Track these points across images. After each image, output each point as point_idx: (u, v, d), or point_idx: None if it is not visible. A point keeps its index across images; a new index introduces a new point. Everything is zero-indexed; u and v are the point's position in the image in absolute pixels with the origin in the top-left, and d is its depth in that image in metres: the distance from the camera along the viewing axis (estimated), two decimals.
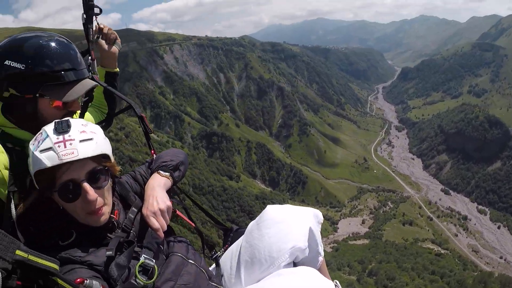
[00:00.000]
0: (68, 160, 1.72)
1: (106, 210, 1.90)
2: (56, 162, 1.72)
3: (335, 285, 2.37)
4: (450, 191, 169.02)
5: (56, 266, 1.33)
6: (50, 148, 1.73)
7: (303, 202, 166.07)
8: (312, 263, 2.21)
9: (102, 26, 2.77)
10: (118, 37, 2.84)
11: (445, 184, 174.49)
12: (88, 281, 1.52)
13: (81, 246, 1.81)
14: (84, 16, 2.67)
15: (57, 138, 1.75)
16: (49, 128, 1.80)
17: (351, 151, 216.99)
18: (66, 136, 1.76)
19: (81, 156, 1.75)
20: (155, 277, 1.81)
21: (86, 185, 1.79)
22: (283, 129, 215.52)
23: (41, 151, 1.73)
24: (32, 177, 1.76)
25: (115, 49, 2.84)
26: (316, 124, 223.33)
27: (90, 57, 2.66)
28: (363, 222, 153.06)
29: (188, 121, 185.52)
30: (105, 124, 2.90)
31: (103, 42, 2.77)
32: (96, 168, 1.84)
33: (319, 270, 2.22)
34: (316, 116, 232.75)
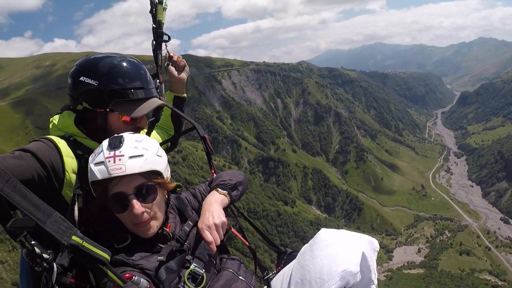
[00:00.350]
0: (116, 175, 1.82)
1: (154, 224, 1.97)
2: (106, 176, 1.83)
3: None
4: (510, 220, 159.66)
5: (107, 256, 1.41)
6: (102, 163, 1.84)
7: (359, 229, 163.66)
8: None
9: (172, 54, 2.99)
10: (186, 64, 3.06)
11: (504, 212, 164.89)
12: (136, 278, 1.58)
13: (135, 251, 1.91)
14: (154, 42, 2.96)
15: (109, 153, 1.85)
16: (105, 143, 1.91)
17: (409, 178, 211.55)
18: (117, 152, 1.85)
19: (128, 172, 1.83)
20: (202, 284, 1.84)
21: (133, 199, 1.88)
22: (340, 155, 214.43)
23: (95, 164, 1.85)
24: (89, 185, 1.91)
25: (183, 75, 3.04)
26: (374, 150, 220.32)
27: (158, 81, 2.87)
28: (419, 251, 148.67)
29: (245, 145, 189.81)
30: (170, 146, 3.14)
31: (173, 68, 2.98)
32: (145, 183, 1.91)
33: None
34: (373, 142, 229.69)
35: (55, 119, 2.32)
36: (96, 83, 2.10)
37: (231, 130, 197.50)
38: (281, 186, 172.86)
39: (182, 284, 1.82)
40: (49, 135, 2.20)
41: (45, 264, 1.27)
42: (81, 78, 2.12)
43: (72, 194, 2.02)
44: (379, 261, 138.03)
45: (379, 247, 2.27)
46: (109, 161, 1.84)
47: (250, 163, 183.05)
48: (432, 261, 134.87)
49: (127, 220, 1.93)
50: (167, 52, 2.97)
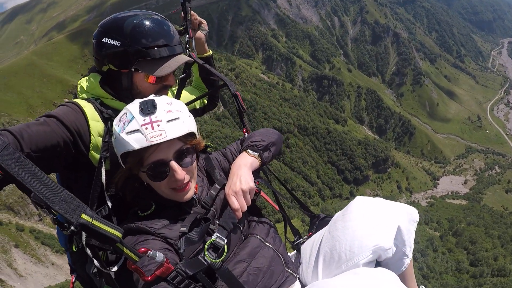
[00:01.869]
0: (157, 142, 1.72)
1: (192, 186, 1.93)
2: (145, 144, 1.71)
3: None
4: None
5: (119, 234, 1.35)
6: (137, 130, 1.72)
7: (408, 154, 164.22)
8: (396, 264, 2.08)
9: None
10: (202, 21, 2.88)
11: None
12: (152, 252, 1.52)
13: (159, 218, 1.86)
14: None
15: (144, 120, 1.73)
16: (134, 108, 1.79)
17: (466, 107, 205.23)
18: (153, 117, 1.74)
19: (169, 137, 1.74)
20: (223, 256, 1.76)
21: (174, 164, 1.80)
22: (396, 77, 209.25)
23: (128, 133, 1.73)
24: (118, 157, 1.83)
25: (200, 34, 2.85)
26: (432, 74, 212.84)
27: (188, 35, 2.72)
28: (465, 182, 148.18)
29: (300, 63, 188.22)
30: (208, 105, 3.03)
31: (189, 30, 2.80)
32: (183, 147, 1.84)
33: (405, 273, 2.13)
34: (432, 66, 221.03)
35: (83, 81, 2.28)
36: (118, 43, 2.04)
37: (285, 48, 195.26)
38: (334, 105, 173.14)
39: (202, 255, 1.72)
40: (77, 98, 2.20)
41: (72, 228, 1.28)
42: (104, 40, 2.08)
43: (99, 157, 2.00)
44: (424, 187, 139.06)
45: (418, 217, 2.13)
46: (146, 128, 1.72)
47: (304, 81, 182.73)
48: (476, 194, 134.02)
49: (165, 187, 1.86)
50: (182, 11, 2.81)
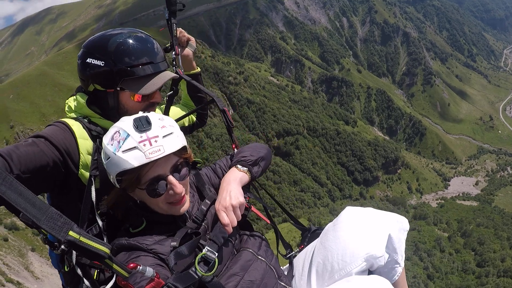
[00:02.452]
0: (156, 158, 1.72)
1: (187, 198, 1.94)
2: (144, 161, 1.71)
3: None
4: None
5: (106, 250, 1.34)
6: (134, 148, 1.70)
7: (419, 154, 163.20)
8: (389, 273, 2.10)
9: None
10: (190, 38, 2.88)
11: None
12: (141, 267, 1.52)
13: (151, 234, 1.87)
14: (168, 11, 2.78)
15: (141, 137, 1.72)
16: (127, 126, 1.77)
17: (477, 107, 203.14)
18: (149, 134, 1.74)
19: (167, 152, 1.75)
20: (214, 270, 1.77)
21: (172, 179, 1.82)
22: (406, 77, 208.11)
23: (124, 151, 1.71)
24: (113, 178, 1.79)
25: (188, 51, 2.85)
26: (443, 74, 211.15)
27: (174, 53, 2.72)
28: (476, 183, 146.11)
29: (309, 65, 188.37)
30: (197, 122, 3.04)
31: (175, 47, 2.79)
32: (178, 161, 1.86)
33: (397, 281, 2.14)
34: (443, 66, 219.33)
35: (70, 101, 2.30)
36: (102, 63, 2.06)
37: (294, 50, 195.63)
38: (343, 106, 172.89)
39: (193, 269, 1.73)
40: (65, 118, 2.22)
41: (62, 247, 1.27)
42: (88, 60, 2.09)
43: (89, 175, 2.00)
44: (435, 188, 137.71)
45: (408, 226, 2.16)
46: (144, 144, 1.71)
47: (314, 82, 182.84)
48: (488, 195, 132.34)
49: (162, 202, 1.86)
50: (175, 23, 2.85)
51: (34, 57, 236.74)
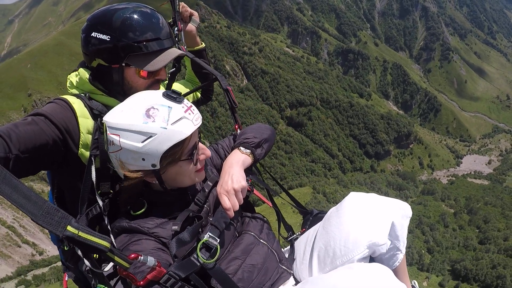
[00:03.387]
0: (199, 124, 1.76)
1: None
2: (194, 128, 1.73)
3: (412, 286, 2.41)
4: None
5: (107, 244, 1.33)
6: (182, 118, 1.70)
7: (433, 130, 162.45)
8: (390, 260, 2.10)
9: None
10: (194, 12, 2.82)
11: None
12: (142, 257, 1.51)
13: (152, 217, 1.86)
14: None
15: (182, 107, 1.73)
16: (162, 100, 1.74)
17: (495, 85, 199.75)
18: (186, 103, 1.76)
19: (201, 120, 1.80)
20: (216, 256, 1.75)
21: (201, 144, 1.86)
22: (424, 52, 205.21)
23: (174, 123, 1.68)
24: (157, 157, 1.72)
25: (191, 26, 2.78)
26: (461, 50, 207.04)
27: (177, 28, 2.66)
28: (489, 162, 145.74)
29: (325, 37, 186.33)
30: (202, 99, 3.02)
31: (177, 22, 2.73)
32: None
33: (398, 268, 2.14)
34: (462, 42, 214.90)
35: (72, 77, 2.26)
36: (108, 38, 2.00)
37: (311, 22, 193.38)
38: (359, 79, 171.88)
39: (195, 256, 1.72)
40: (66, 94, 2.19)
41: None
42: (93, 34, 2.03)
43: (89, 155, 1.97)
44: (447, 164, 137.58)
45: (411, 213, 2.18)
46: (189, 113, 1.73)
47: (330, 54, 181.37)
48: (500, 175, 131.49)
49: (191, 171, 1.87)
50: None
51: (52, 27, 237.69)
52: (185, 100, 1.78)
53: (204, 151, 1.88)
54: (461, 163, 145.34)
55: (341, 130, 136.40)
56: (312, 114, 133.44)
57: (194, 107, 1.78)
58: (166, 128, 1.67)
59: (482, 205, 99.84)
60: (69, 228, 1.23)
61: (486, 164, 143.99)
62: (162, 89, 2.21)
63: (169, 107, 1.71)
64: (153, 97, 1.77)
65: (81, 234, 1.25)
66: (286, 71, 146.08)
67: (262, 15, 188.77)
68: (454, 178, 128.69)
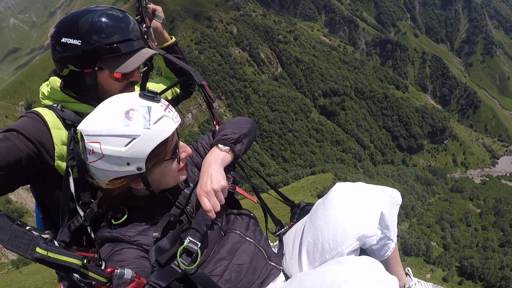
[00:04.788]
0: (179, 121, 1.74)
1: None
2: (174, 126, 1.71)
3: (406, 273, 2.38)
4: None
5: (78, 262, 1.30)
6: (163, 116, 1.67)
7: (471, 127, 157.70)
8: (382, 249, 2.06)
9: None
10: (157, 8, 2.78)
11: None
12: (119, 270, 1.47)
13: (133, 224, 1.81)
14: None
15: (162, 106, 1.70)
16: (140, 101, 1.69)
17: None
18: (163, 102, 1.73)
19: (179, 117, 1.76)
20: (197, 262, 1.69)
21: (181, 142, 1.82)
22: (466, 45, 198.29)
23: (155, 122, 1.64)
24: (142, 160, 1.67)
25: (156, 23, 2.74)
26: (505, 45, 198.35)
27: (144, 25, 2.63)
28: None
29: (363, 26, 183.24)
30: (183, 94, 2.98)
31: (145, 19, 2.68)
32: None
33: (390, 258, 2.10)
34: (506, 37, 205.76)
35: (43, 87, 2.21)
36: (79, 42, 1.94)
37: (349, 11, 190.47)
38: (396, 71, 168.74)
39: (176, 263, 1.68)
40: (38, 106, 2.15)
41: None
42: (63, 40, 1.97)
43: (65, 166, 1.94)
44: (481, 164, 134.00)
45: (401, 199, 2.13)
46: (169, 111, 1.71)
47: (368, 44, 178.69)
48: None
49: (174, 170, 1.84)
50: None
51: None
52: (162, 99, 1.75)
53: (185, 148, 1.87)
54: (497, 163, 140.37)
55: (374, 122, 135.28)
56: (346, 104, 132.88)
57: (170, 106, 1.75)
58: (149, 128, 1.64)
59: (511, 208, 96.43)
60: (38, 250, 1.21)
61: None
62: (137, 91, 2.18)
63: (148, 107, 1.68)
64: (130, 99, 1.72)
65: (50, 254, 1.23)
66: (321, 60, 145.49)
67: (299, 4, 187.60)
68: (487, 179, 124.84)
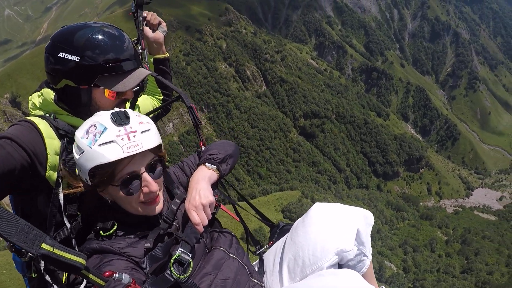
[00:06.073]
0: (134, 152, 1.69)
1: (161, 198, 1.91)
2: (121, 155, 1.66)
3: None
4: None
5: (82, 261, 1.31)
6: (111, 141, 1.66)
7: (449, 159, 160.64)
8: (358, 266, 2.11)
9: (145, 14, 2.83)
10: (162, 21, 2.87)
11: None
12: (117, 275, 1.50)
13: (123, 237, 1.84)
14: (134, 4, 2.76)
15: (119, 131, 1.69)
16: (105, 120, 1.73)
17: None
18: (128, 128, 1.71)
19: (144, 148, 1.72)
20: (189, 272, 1.75)
21: (147, 176, 1.79)
22: (450, 78, 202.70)
23: (101, 145, 1.65)
24: (86, 173, 1.72)
25: (159, 34, 2.82)
26: (489, 81, 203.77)
27: (140, 47, 2.72)
28: (500, 198, 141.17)
29: (351, 53, 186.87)
30: (163, 112, 3.01)
31: (147, 29, 2.80)
32: (154, 159, 1.83)
33: (366, 274, 2.16)
34: (491, 73, 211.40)
35: (34, 98, 2.21)
36: (78, 58, 1.92)
37: (339, 36, 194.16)
38: (380, 98, 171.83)
39: (168, 272, 1.70)
40: (30, 116, 2.13)
41: (30, 254, 1.24)
42: (60, 54, 1.94)
43: (56, 177, 1.92)
44: (455, 195, 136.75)
45: (373, 220, 2.24)
46: (122, 139, 1.67)
47: (354, 70, 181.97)
48: (509, 212, 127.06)
49: (135, 202, 1.81)
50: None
51: (87, 18, 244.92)
52: (133, 124, 1.74)
53: (149, 185, 1.79)
54: (471, 195, 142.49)
55: (352, 146, 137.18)
56: (325, 127, 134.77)
57: (137, 134, 1.72)
58: (91, 148, 1.66)
59: (479, 238, 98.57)
60: (43, 245, 1.20)
61: (497, 200, 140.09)
62: (126, 107, 2.23)
63: (105, 127, 1.69)
64: (103, 115, 1.76)
65: (56, 251, 1.23)
66: (305, 81, 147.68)
67: (291, 25, 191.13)
68: (460, 209, 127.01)
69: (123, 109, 1.81)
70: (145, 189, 1.80)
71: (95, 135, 1.68)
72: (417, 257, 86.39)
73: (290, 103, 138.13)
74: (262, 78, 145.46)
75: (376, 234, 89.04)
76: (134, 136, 1.70)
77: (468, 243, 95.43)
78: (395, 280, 75.07)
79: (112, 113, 1.75)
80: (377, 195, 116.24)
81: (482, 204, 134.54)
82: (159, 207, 1.89)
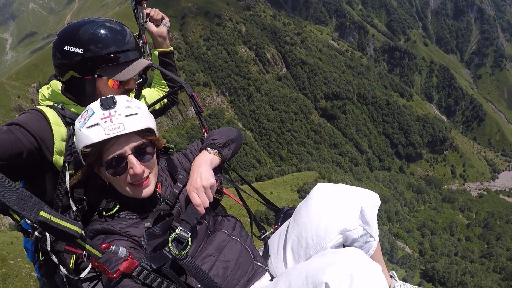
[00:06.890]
0: (114, 134, 1.76)
1: (152, 181, 1.95)
2: (103, 137, 1.75)
3: (391, 276, 2.38)
4: None
5: (78, 230, 1.34)
6: (96, 124, 1.76)
7: (474, 140, 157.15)
8: (364, 247, 2.06)
9: (148, 10, 2.94)
10: (165, 16, 2.97)
11: None
12: (114, 247, 1.56)
13: (124, 217, 1.90)
14: (134, 1, 2.89)
15: (103, 114, 1.78)
16: (95, 105, 1.84)
17: None
18: (112, 111, 1.79)
19: (127, 131, 1.78)
20: (187, 249, 1.79)
21: (132, 158, 1.83)
22: (476, 56, 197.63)
23: (88, 127, 1.76)
24: (79, 153, 1.84)
25: (162, 29, 2.93)
26: None
27: (141, 41, 2.82)
28: None
29: (373, 32, 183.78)
30: (169, 104, 3.12)
31: (150, 24, 2.91)
32: (142, 142, 1.87)
33: (373, 256, 2.10)
34: None
35: (44, 90, 2.35)
36: (81, 51, 2.06)
37: (360, 16, 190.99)
38: (403, 79, 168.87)
39: (167, 249, 1.75)
40: (39, 106, 2.24)
41: (36, 234, 1.29)
42: (66, 48, 2.08)
43: (62, 162, 2.03)
44: (481, 178, 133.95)
45: (379, 202, 2.16)
46: (105, 121, 1.76)
47: (376, 51, 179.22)
48: None
49: (124, 183, 1.88)
50: (145, 8, 3.00)
51: (109, 7, 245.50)
52: (118, 108, 1.81)
53: (133, 167, 1.84)
54: (497, 178, 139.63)
55: (374, 127, 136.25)
56: (347, 108, 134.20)
57: (120, 117, 1.79)
58: (80, 130, 1.79)
59: (503, 223, 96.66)
60: (41, 213, 1.24)
61: None
62: (131, 97, 2.30)
63: (94, 112, 1.80)
64: (96, 101, 1.86)
65: (53, 218, 1.27)
66: (326, 63, 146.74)
67: (311, 7, 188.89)
68: (485, 192, 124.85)
69: (112, 95, 1.89)
70: (130, 171, 1.84)
71: (85, 119, 1.80)
72: (435, 240, 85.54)
73: (311, 85, 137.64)
74: (282, 60, 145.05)
75: (394, 216, 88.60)
76: (117, 119, 1.77)
77: (490, 228, 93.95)
78: (406, 261, 75.28)
79: (101, 98, 1.84)
80: (398, 177, 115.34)
81: (508, 187, 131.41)
82: (147, 191, 1.92)
